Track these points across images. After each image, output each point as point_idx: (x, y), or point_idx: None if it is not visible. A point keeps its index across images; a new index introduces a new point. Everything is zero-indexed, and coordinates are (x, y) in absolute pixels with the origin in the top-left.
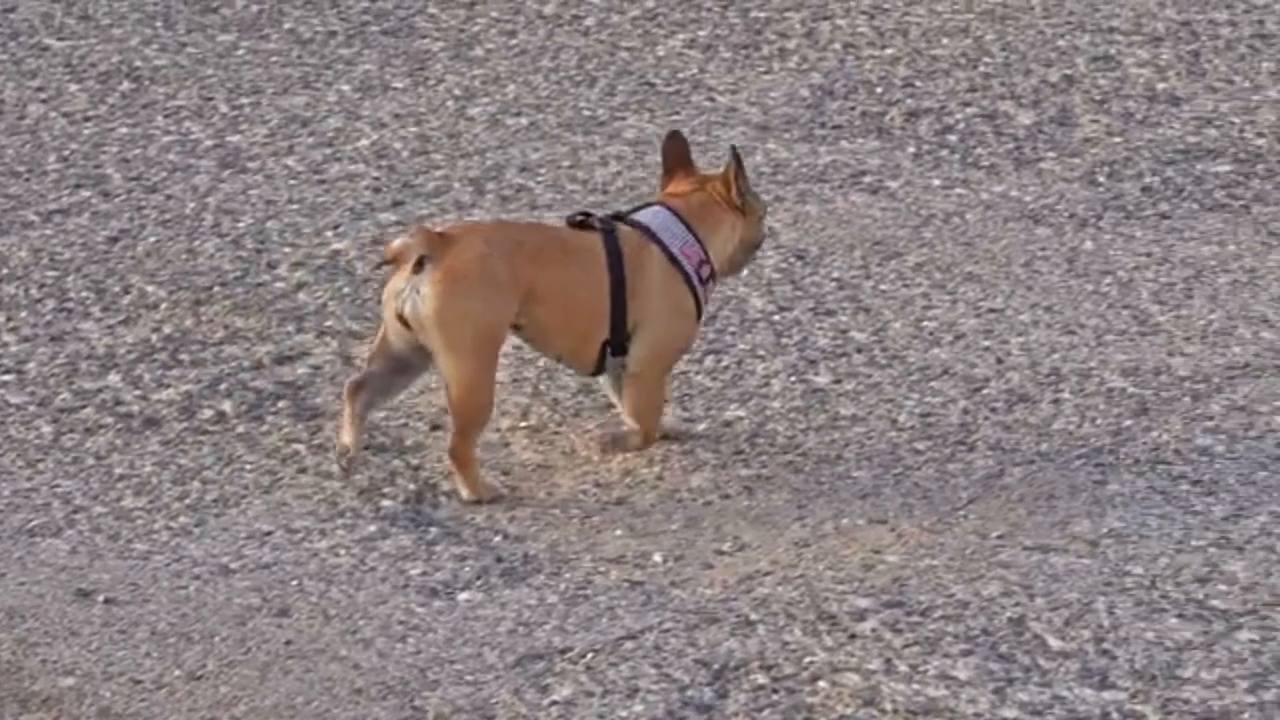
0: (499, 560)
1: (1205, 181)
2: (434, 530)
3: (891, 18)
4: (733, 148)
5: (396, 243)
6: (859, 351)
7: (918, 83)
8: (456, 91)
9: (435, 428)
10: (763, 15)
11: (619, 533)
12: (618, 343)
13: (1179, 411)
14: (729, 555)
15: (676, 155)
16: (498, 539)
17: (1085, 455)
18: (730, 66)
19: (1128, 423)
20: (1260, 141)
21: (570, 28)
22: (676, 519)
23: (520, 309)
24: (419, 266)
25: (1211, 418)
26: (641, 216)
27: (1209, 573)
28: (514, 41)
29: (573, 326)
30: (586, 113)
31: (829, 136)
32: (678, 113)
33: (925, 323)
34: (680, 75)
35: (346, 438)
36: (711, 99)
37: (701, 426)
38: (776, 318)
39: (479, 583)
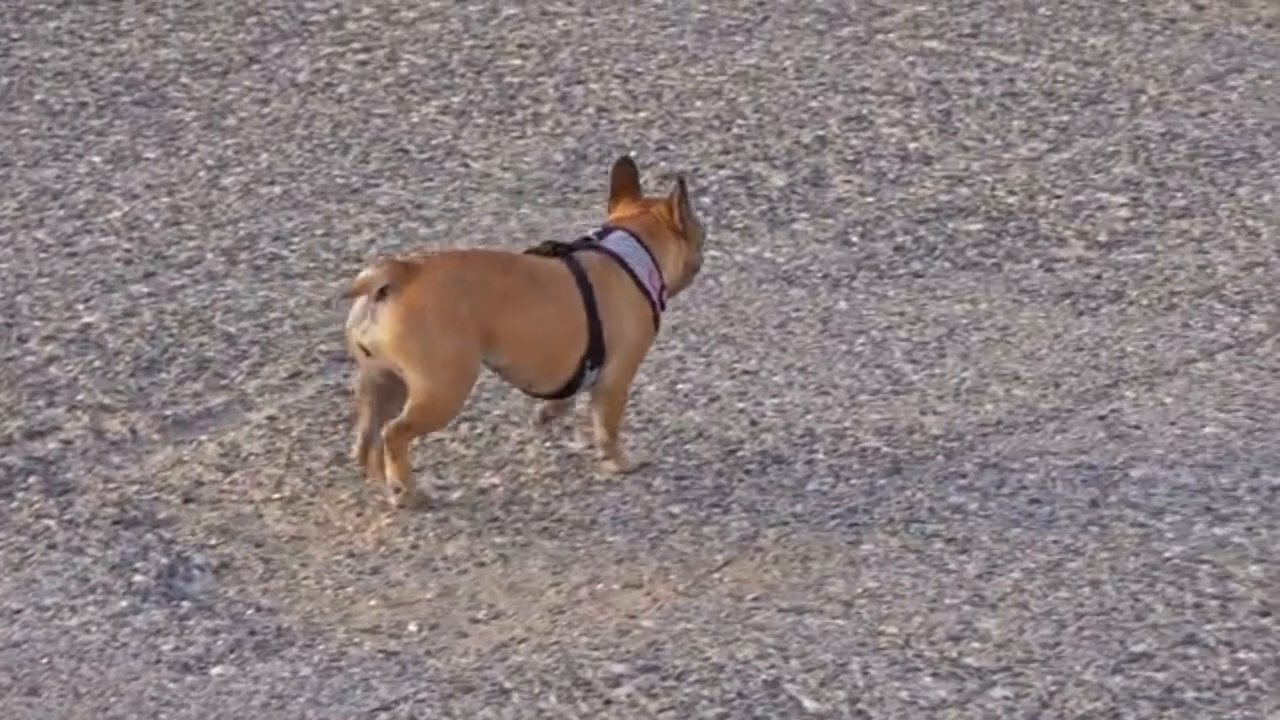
0: (252, 633)
1: (957, 240)
2: (186, 604)
3: (645, 81)
4: (679, 175)
5: (363, 274)
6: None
7: (671, 145)
8: (209, 161)
9: (188, 500)
10: (516, 80)
11: (373, 603)
12: (598, 356)
13: (932, 470)
14: (484, 623)
15: (624, 180)
16: (251, 612)
17: (840, 515)
18: (484, 132)
19: (881, 482)
20: (1011, 199)
21: (324, 95)
22: (431, 588)
23: (481, 347)
24: (381, 295)
25: (964, 475)
26: (610, 243)
27: (962, 630)
28: (267, 110)
29: (542, 360)
30: (340, 180)
31: (583, 201)
32: (431, 179)
33: (680, 385)
34: (434, 141)
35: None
36: (466, 165)
37: (456, 495)
38: None
39: (232, 657)
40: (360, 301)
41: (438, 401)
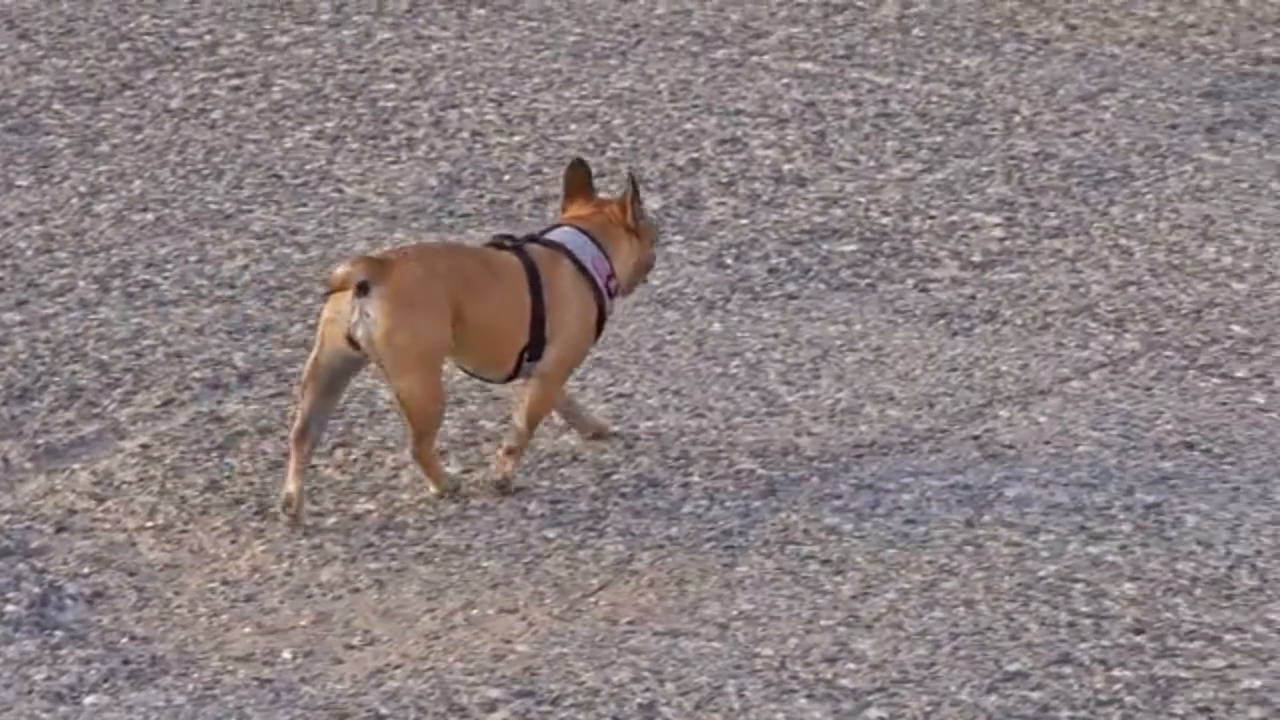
0: (126, 662)
1: (831, 261)
2: (59, 634)
3: (519, 105)
4: (630, 174)
5: (339, 270)
6: (489, 441)
7: (546, 169)
8: (82, 188)
9: (61, 529)
10: (390, 105)
11: (248, 630)
12: (535, 349)
13: (807, 492)
14: (359, 650)
15: (577, 181)
16: (124, 640)
17: (715, 538)
18: (358, 157)
19: (756, 504)
20: (885, 220)
21: (197, 121)
22: (306, 614)
23: (452, 334)
24: (363, 291)
25: (839, 496)
26: (554, 236)
27: (838, 652)
28: (140, 136)
29: (496, 347)
30: (214, 206)
31: (457, 225)
32: (305, 204)
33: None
34: (308, 166)
35: (291, 486)
36: (340, 190)
37: (331, 520)
38: None
39: (105, 686)
40: (345, 299)
41: (417, 400)
